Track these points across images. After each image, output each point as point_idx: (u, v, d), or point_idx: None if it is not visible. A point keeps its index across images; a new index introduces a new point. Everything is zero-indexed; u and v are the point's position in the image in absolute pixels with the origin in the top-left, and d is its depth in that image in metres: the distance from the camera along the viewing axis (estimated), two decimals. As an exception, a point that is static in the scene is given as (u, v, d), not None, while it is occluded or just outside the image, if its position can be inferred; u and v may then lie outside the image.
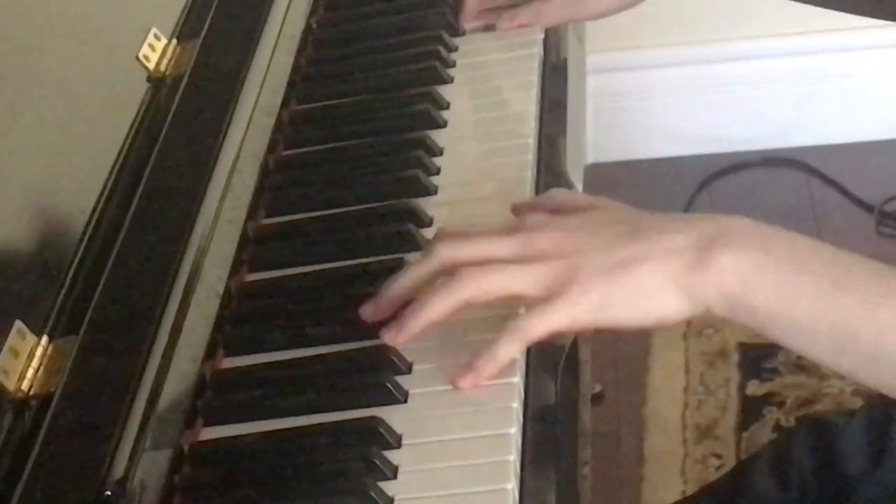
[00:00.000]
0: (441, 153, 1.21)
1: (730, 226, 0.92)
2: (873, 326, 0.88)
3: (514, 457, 0.91)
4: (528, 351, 1.00)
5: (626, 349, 2.27)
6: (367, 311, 0.99)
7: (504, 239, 0.96)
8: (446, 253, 0.96)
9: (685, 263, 0.91)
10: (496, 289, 0.94)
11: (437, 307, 0.95)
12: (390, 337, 0.97)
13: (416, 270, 0.97)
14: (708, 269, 0.90)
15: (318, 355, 1.01)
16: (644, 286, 0.91)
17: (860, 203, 2.46)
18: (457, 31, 1.37)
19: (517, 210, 1.02)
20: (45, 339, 0.97)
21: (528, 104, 1.26)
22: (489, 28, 1.37)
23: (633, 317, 0.92)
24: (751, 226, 0.93)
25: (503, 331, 0.93)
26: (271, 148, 1.22)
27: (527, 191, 1.14)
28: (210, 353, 1.01)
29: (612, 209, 0.98)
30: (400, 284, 0.98)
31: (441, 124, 1.24)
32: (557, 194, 1.04)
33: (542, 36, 1.35)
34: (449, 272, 0.95)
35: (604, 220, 0.96)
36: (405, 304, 0.98)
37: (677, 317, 0.92)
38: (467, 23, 1.37)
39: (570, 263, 0.92)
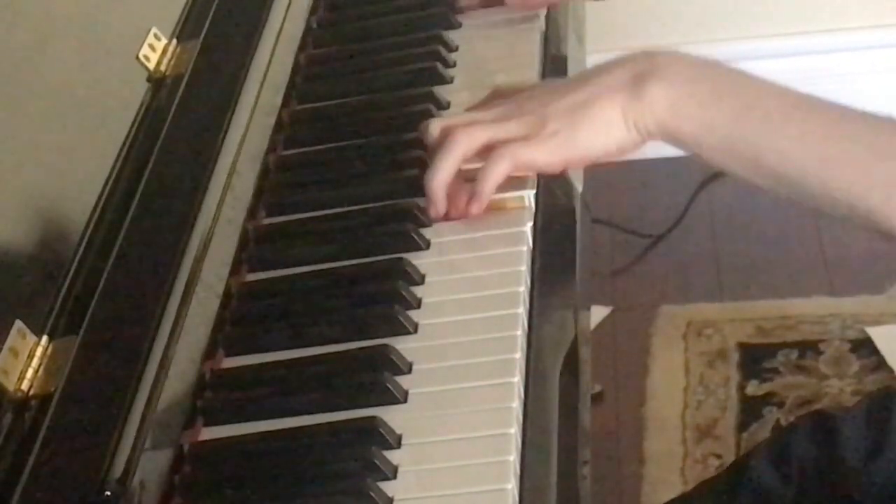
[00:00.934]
0: (441, 153, 1.21)
1: (664, 61, 1.07)
2: (774, 152, 1.03)
3: (514, 457, 0.91)
4: (529, 351, 1.00)
5: (626, 349, 2.27)
6: (433, 214, 1.11)
7: (484, 109, 1.14)
8: (438, 123, 1.13)
9: (626, 96, 1.06)
10: (482, 138, 1.09)
11: (440, 170, 1.09)
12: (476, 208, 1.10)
13: (447, 158, 1.10)
14: (643, 100, 1.05)
15: (318, 355, 1.01)
16: (599, 118, 1.07)
17: (860, 203, 2.45)
18: (455, 26, 1.37)
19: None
20: (45, 339, 0.97)
21: (528, 104, 1.26)
22: (489, 4, 1.37)
23: (594, 149, 1.08)
24: (683, 61, 1.07)
25: (492, 155, 1.08)
26: (271, 148, 1.22)
27: (526, 191, 1.14)
28: (210, 353, 1.01)
29: (559, 79, 1.18)
30: (441, 175, 1.10)
31: (441, 124, 1.24)
32: (504, 88, 1.19)
33: (541, 33, 1.35)
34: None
35: (557, 83, 1.14)
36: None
37: (631, 143, 1.08)
38: (465, 2, 1.38)
39: (539, 114, 1.09)
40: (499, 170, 1.08)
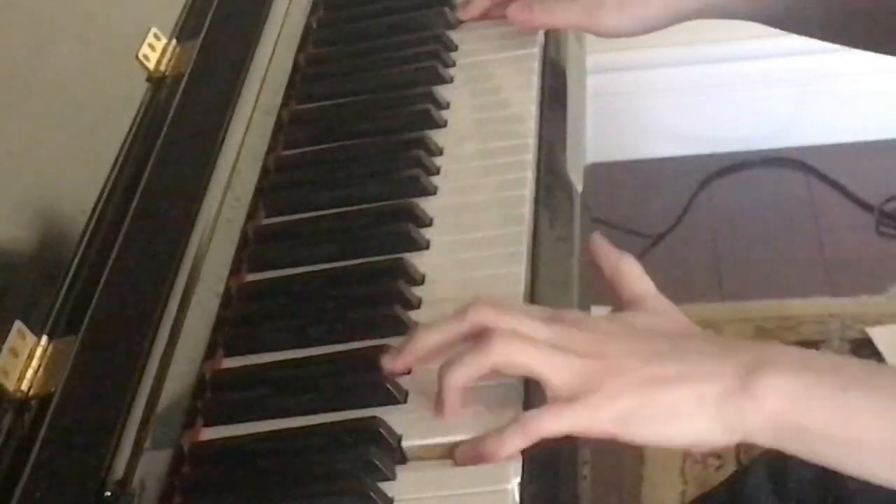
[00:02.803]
0: (441, 153, 1.21)
1: (768, 351, 0.89)
2: (875, 442, 0.87)
3: (513, 457, 0.91)
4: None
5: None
6: (388, 362, 0.96)
7: (542, 322, 0.91)
8: (481, 316, 0.92)
9: (725, 388, 0.87)
10: (522, 363, 0.89)
11: (464, 372, 0.90)
12: (440, 414, 0.92)
13: (446, 327, 0.94)
14: (751, 396, 0.86)
15: (317, 355, 1.01)
16: (677, 406, 0.87)
17: (860, 203, 2.46)
18: (455, 26, 1.37)
19: (590, 244, 1.02)
20: (45, 339, 0.97)
21: (528, 104, 1.26)
22: (487, 17, 1.37)
23: (659, 436, 0.88)
24: (788, 348, 0.90)
25: (515, 422, 0.89)
26: (271, 148, 1.22)
27: (527, 191, 1.14)
28: (210, 353, 1.01)
29: (656, 315, 0.96)
30: (427, 340, 0.94)
31: (441, 124, 1.24)
32: (621, 260, 1.02)
33: (542, 35, 1.35)
34: (479, 336, 0.91)
35: (645, 331, 0.93)
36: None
37: (708, 443, 0.88)
38: (467, 16, 1.37)
39: (604, 366, 0.88)
40: (513, 444, 0.88)
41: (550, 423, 0.88)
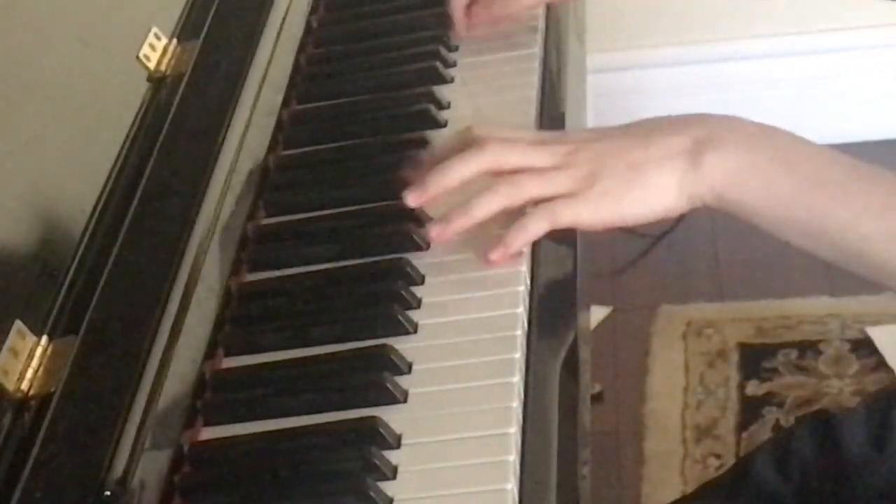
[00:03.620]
0: (441, 153, 1.21)
1: (722, 129, 1.06)
2: (836, 224, 1.01)
3: (513, 457, 0.91)
4: (528, 351, 1.00)
5: (626, 349, 2.27)
6: (413, 197, 1.08)
7: (539, 149, 1.08)
8: (496, 155, 1.07)
9: (682, 164, 1.04)
10: (535, 192, 1.06)
11: (484, 208, 1.06)
12: (438, 231, 1.07)
13: (466, 164, 1.07)
14: (700, 169, 1.03)
15: (318, 355, 1.01)
16: (655, 184, 1.04)
17: (860, 203, 2.45)
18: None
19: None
20: (45, 339, 0.97)
21: (528, 104, 1.26)
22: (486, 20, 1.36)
23: (644, 210, 1.05)
24: (741, 129, 1.06)
25: (534, 211, 1.05)
26: (271, 148, 1.22)
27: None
28: (210, 353, 1.01)
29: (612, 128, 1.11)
30: (451, 176, 1.07)
31: (441, 124, 1.24)
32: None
33: (541, 33, 1.35)
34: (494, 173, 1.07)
35: (611, 133, 1.09)
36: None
37: (678, 210, 1.05)
38: (461, 35, 1.35)
39: (591, 169, 1.05)
40: (538, 228, 1.06)
41: (564, 211, 1.05)
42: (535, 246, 1.09)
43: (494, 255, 1.05)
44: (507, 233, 1.06)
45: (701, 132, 1.05)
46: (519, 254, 1.06)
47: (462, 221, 1.06)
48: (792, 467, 1.20)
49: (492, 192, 1.06)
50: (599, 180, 1.05)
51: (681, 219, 2.47)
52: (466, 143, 1.08)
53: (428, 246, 1.10)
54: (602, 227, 1.07)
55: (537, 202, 1.06)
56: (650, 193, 1.05)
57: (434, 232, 1.07)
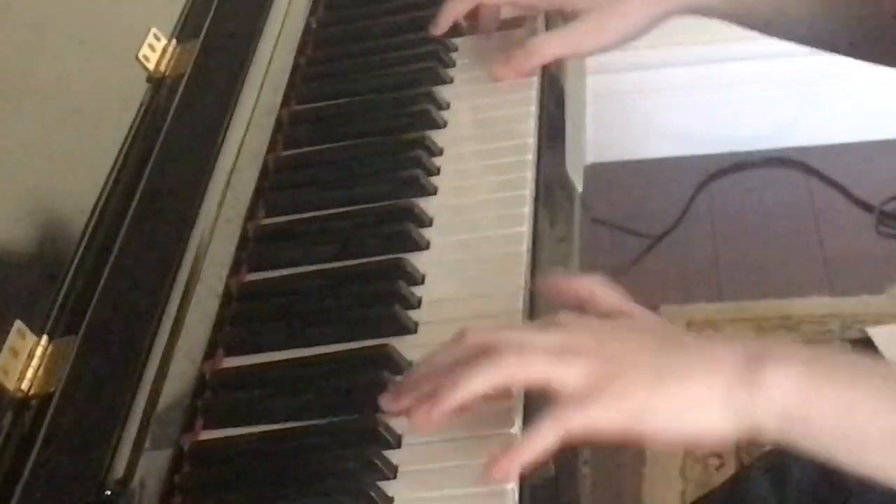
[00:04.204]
0: (441, 153, 1.21)
1: (773, 346, 0.88)
2: (880, 434, 0.86)
3: (514, 457, 0.90)
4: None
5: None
6: (387, 400, 0.93)
7: (542, 332, 0.90)
8: (480, 337, 0.90)
9: (732, 379, 0.86)
10: (536, 371, 0.88)
11: (479, 381, 0.88)
12: (423, 414, 0.89)
13: (445, 354, 0.91)
14: (757, 386, 0.85)
15: (318, 355, 1.01)
16: (688, 398, 0.86)
17: (860, 203, 2.45)
18: (458, 33, 1.37)
19: (543, 287, 0.98)
20: (45, 339, 0.97)
21: (527, 105, 1.26)
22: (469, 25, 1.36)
23: (673, 429, 0.87)
24: (794, 346, 0.93)
25: (541, 420, 0.87)
26: (271, 148, 1.22)
27: (527, 191, 1.14)
28: (210, 353, 1.01)
29: (645, 319, 0.94)
30: (427, 367, 0.92)
31: (441, 124, 1.24)
32: (589, 286, 0.97)
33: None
34: (485, 352, 0.89)
35: (642, 329, 0.92)
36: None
37: (720, 434, 0.87)
38: (437, 32, 1.33)
39: (613, 364, 0.87)
40: (542, 443, 0.87)
41: (575, 417, 0.86)
42: (536, 245, 1.09)
43: (495, 470, 0.87)
44: (513, 445, 0.87)
45: (752, 347, 0.87)
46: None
47: (454, 398, 0.88)
48: (787, 483, 1.19)
49: (492, 365, 0.88)
50: (623, 381, 0.86)
51: (681, 219, 2.48)
52: (471, 350, 0.90)
53: (428, 246, 1.10)
54: (621, 438, 0.87)
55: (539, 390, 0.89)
56: (687, 409, 0.86)
57: (420, 414, 0.89)
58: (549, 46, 1.30)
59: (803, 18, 1.28)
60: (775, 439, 0.87)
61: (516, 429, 0.92)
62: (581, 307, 0.95)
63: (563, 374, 0.87)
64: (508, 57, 1.30)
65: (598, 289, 0.96)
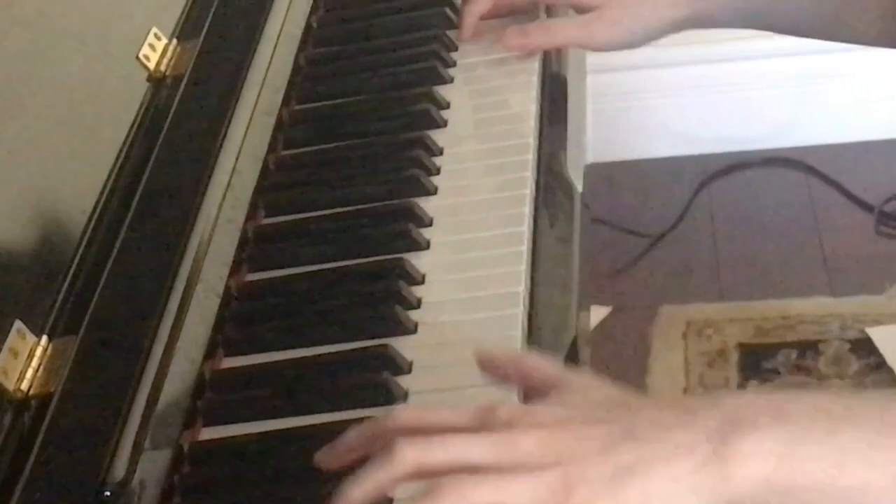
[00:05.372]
0: (441, 153, 1.21)
1: (735, 408, 0.80)
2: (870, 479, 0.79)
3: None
4: (528, 350, 1.00)
5: (626, 349, 2.27)
6: (322, 459, 0.88)
7: (478, 438, 0.81)
8: (411, 456, 0.80)
9: (699, 461, 0.79)
10: (488, 499, 0.79)
11: (382, 480, 0.81)
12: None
13: (373, 472, 0.81)
14: (729, 463, 0.78)
15: (318, 355, 1.01)
16: (652, 495, 0.79)
17: (860, 203, 2.46)
18: (454, 25, 1.37)
19: (484, 364, 0.91)
20: (45, 339, 0.97)
21: (528, 104, 1.26)
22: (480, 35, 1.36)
23: None
24: (757, 400, 0.81)
25: None
26: (271, 148, 1.22)
27: (527, 191, 1.14)
28: (210, 353, 1.01)
29: (590, 389, 0.86)
30: (361, 489, 0.81)
31: (441, 124, 1.24)
32: (527, 360, 0.92)
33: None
34: (418, 476, 0.80)
35: (590, 411, 0.83)
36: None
37: None
38: (464, 37, 1.35)
39: (564, 473, 0.79)
40: None
41: None
42: (536, 245, 1.09)
43: None
44: None
45: (714, 420, 0.80)
46: None
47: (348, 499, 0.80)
48: None
49: (433, 494, 0.78)
50: (578, 494, 0.78)
51: (681, 218, 2.48)
52: (384, 438, 0.82)
53: (428, 246, 1.10)
54: None
55: None
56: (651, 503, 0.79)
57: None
58: (566, 30, 1.34)
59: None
60: None
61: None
62: (518, 380, 0.91)
63: (516, 495, 0.79)
64: (525, 29, 1.32)
65: (530, 361, 0.92)
